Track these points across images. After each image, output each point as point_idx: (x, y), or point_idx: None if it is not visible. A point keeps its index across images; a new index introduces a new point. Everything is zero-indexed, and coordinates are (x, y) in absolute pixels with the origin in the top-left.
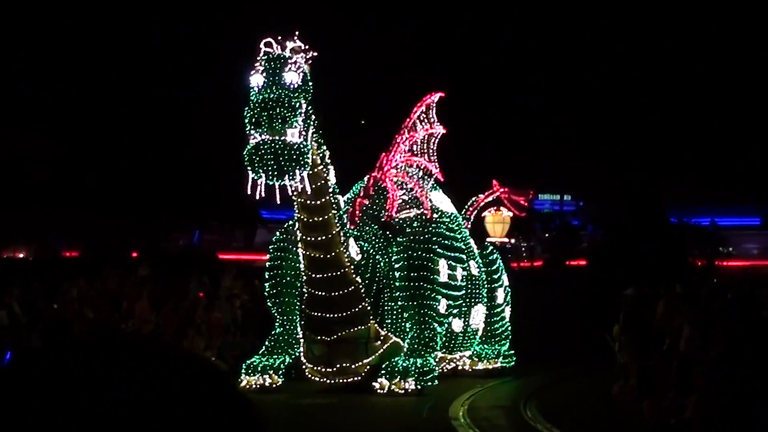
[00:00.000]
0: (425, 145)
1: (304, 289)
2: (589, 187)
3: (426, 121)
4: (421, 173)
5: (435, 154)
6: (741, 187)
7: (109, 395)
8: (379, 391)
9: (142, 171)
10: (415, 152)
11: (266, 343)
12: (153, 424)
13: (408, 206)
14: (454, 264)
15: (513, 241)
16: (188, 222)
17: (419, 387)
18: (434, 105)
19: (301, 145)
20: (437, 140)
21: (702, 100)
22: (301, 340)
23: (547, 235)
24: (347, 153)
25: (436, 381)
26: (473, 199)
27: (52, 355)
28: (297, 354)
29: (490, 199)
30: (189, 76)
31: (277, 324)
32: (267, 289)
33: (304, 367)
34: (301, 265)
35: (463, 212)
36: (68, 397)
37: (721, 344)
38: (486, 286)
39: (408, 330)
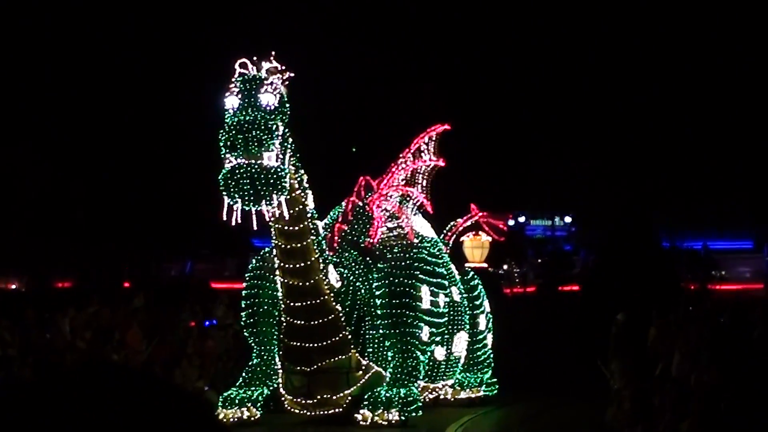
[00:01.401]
0: (420, 176)
1: (282, 318)
2: (581, 212)
3: (426, 152)
4: (410, 203)
5: (429, 186)
6: (733, 211)
7: (94, 427)
8: (361, 422)
9: (134, 201)
10: (409, 182)
11: (243, 374)
12: None
13: (391, 235)
14: (436, 290)
15: (506, 267)
16: (180, 252)
17: (403, 418)
18: (438, 137)
19: (279, 169)
20: (434, 173)
21: (694, 125)
22: (280, 371)
23: (539, 260)
24: (324, 177)
25: (421, 411)
26: (452, 223)
27: (39, 387)
28: (275, 385)
29: (468, 223)
30: (180, 105)
31: (254, 354)
32: (243, 319)
33: (283, 398)
34: (279, 293)
35: (441, 237)
36: (54, 427)
37: (714, 368)
38: (468, 312)
39: (390, 359)
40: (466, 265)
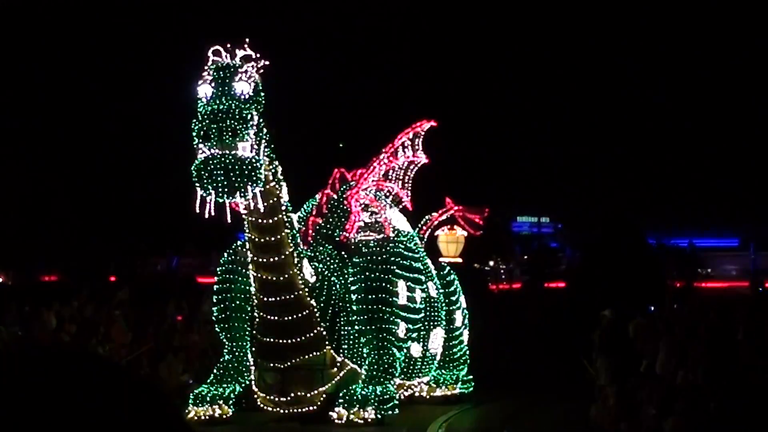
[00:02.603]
0: (402, 172)
1: (256, 314)
2: (567, 209)
3: (410, 148)
4: (389, 199)
5: (410, 182)
6: (719, 209)
7: (27, 406)
8: (336, 421)
9: (120, 196)
10: (390, 178)
11: (214, 371)
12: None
13: (366, 229)
14: (413, 285)
15: (492, 263)
16: (166, 246)
17: (379, 416)
18: (422, 134)
19: (253, 160)
20: (416, 169)
21: (681, 123)
22: (252, 368)
23: (525, 257)
24: (297, 168)
25: (397, 410)
26: (426, 217)
27: None
28: (247, 382)
29: (444, 217)
30: (164, 98)
31: (225, 351)
32: (215, 314)
33: (255, 396)
34: (252, 288)
35: (416, 231)
36: None
37: (699, 366)
38: (444, 308)
39: (366, 356)
40: (441, 259)
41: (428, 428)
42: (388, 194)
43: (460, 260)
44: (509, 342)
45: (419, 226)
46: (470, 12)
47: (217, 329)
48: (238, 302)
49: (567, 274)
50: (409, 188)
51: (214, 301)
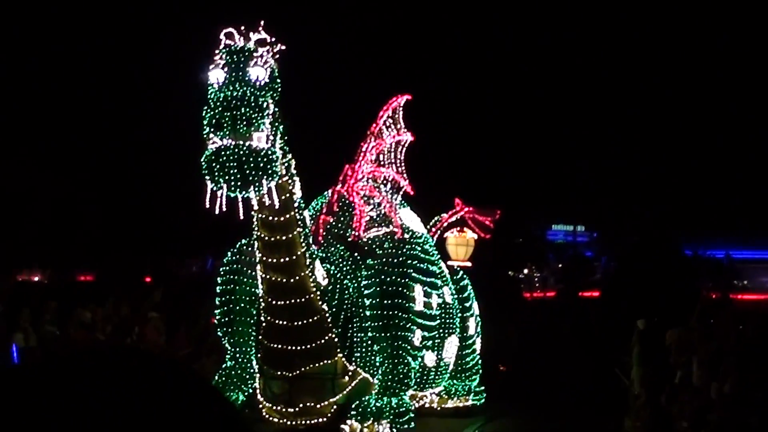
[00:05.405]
0: (392, 154)
1: (262, 318)
2: (603, 218)
3: (392, 127)
4: (389, 186)
5: (403, 164)
6: (757, 219)
7: (100, 405)
8: None
9: (156, 197)
10: (382, 162)
11: (216, 378)
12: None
13: (376, 224)
14: (429, 291)
15: (526, 271)
16: (201, 248)
17: (394, 430)
18: (401, 109)
19: (269, 152)
20: (404, 149)
21: (720, 133)
22: (257, 376)
23: (560, 265)
24: (307, 163)
25: (413, 423)
26: (436, 218)
27: (50, 365)
28: (251, 391)
29: (454, 218)
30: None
31: (228, 357)
32: (217, 317)
33: (260, 406)
34: (259, 290)
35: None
36: (61, 404)
37: (734, 378)
38: (459, 315)
39: (379, 365)
40: (449, 263)
41: None
42: (385, 182)
43: (469, 264)
44: (542, 351)
45: (428, 227)
46: (512, 17)
47: (219, 333)
48: (242, 305)
49: (602, 283)
50: (403, 170)
51: (217, 303)
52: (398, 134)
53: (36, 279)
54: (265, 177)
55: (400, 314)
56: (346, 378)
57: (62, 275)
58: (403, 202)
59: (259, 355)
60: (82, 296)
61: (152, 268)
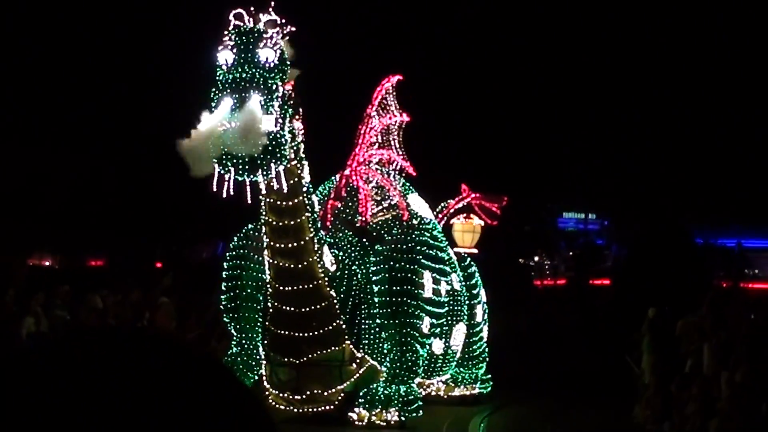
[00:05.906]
0: (390, 136)
1: (269, 304)
2: (614, 206)
3: (386, 109)
4: (391, 169)
5: (402, 146)
6: None
7: (109, 387)
8: (357, 422)
9: (166, 182)
10: (382, 145)
11: None
12: (155, 414)
13: (383, 209)
14: (438, 277)
15: (537, 258)
16: (212, 233)
17: (403, 419)
18: (393, 89)
19: (278, 135)
20: (401, 130)
21: (731, 121)
22: (263, 363)
23: (571, 253)
24: (314, 146)
25: (422, 411)
26: (442, 204)
27: (59, 345)
28: (258, 378)
29: (460, 205)
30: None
31: (234, 343)
32: (223, 303)
33: (267, 393)
34: (266, 276)
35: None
36: (70, 387)
37: (744, 366)
38: (466, 302)
39: (387, 352)
40: (455, 249)
41: (469, 427)
42: (388, 165)
43: (475, 251)
44: (552, 339)
45: (435, 213)
46: (528, 13)
47: (225, 319)
48: (249, 291)
49: (613, 271)
50: (403, 152)
51: (223, 288)
52: (393, 116)
53: (47, 264)
54: (273, 160)
55: (408, 301)
56: (354, 365)
57: (73, 260)
58: (411, 188)
59: (265, 342)
60: (93, 281)
61: (163, 254)
